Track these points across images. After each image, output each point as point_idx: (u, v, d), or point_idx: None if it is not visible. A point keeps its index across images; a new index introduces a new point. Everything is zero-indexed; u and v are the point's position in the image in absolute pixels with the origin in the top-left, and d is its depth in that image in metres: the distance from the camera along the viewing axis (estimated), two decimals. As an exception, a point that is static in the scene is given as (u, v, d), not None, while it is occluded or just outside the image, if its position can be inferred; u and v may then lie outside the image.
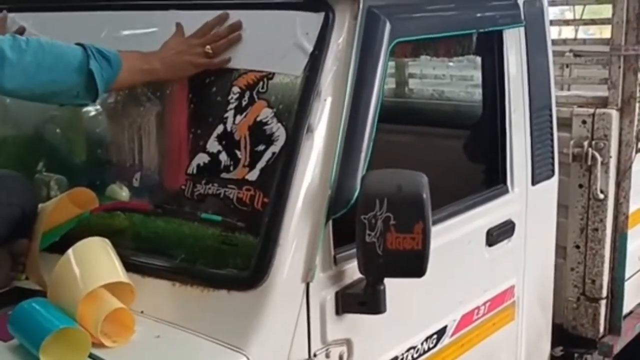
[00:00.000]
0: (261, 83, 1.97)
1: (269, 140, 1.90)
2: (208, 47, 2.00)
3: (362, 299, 1.86)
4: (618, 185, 3.05)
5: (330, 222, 1.83)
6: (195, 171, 2.03)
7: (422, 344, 2.18)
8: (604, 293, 3.09)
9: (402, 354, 2.12)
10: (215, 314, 1.76)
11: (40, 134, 2.61)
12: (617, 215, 3.07)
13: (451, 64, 3.80)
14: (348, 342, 1.93)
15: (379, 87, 1.92)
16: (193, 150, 2.06)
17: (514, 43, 2.51)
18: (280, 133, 1.90)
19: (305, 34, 1.90)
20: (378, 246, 1.74)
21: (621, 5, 2.97)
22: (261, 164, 1.89)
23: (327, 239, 1.86)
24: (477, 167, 2.69)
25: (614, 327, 3.16)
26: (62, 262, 1.78)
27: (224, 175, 1.95)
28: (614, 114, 2.98)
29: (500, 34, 2.47)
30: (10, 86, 1.86)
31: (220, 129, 1.99)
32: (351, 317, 1.91)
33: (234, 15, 2.01)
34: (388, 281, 1.85)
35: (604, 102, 3.03)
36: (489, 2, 2.44)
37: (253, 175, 1.90)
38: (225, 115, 2.00)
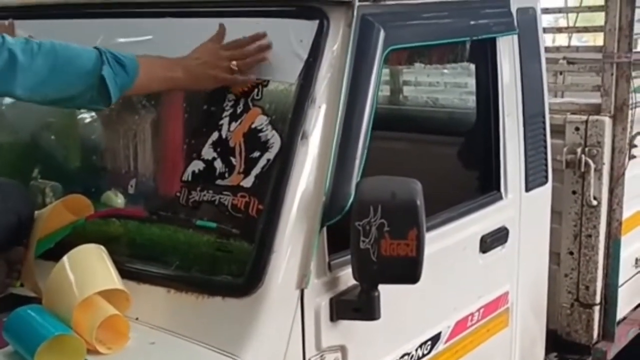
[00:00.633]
0: (256, 90, 1.97)
1: (264, 147, 1.91)
2: (234, 63, 1.94)
3: (357, 306, 1.87)
4: (611, 191, 3.06)
5: (325, 228, 1.84)
6: (190, 178, 2.03)
7: (416, 350, 2.19)
8: (598, 299, 3.10)
9: (397, 361, 2.12)
10: (210, 321, 1.76)
11: (36, 141, 2.62)
12: (610, 222, 3.08)
13: (445, 71, 3.81)
14: (342, 349, 1.93)
15: (373, 94, 1.93)
16: (188, 157, 2.06)
17: (507, 51, 2.53)
18: (275, 140, 1.91)
19: (300, 42, 1.91)
20: (372, 253, 1.75)
21: (614, 13, 2.99)
22: (256, 170, 1.90)
23: (322, 246, 1.86)
24: (470, 173, 2.70)
25: (607, 333, 3.17)
26: (57, 269, 1.78)
27: (218, 182, 1.96)
28: (607, 121, 3.00)
29: (493, 41, 2.48)
30: (23, 91, 1.81)
31: (215, 136, 2.00)
32: (346, 324, 1.91)
33: (229, 23, 2.01)
34: (382, 287, 1.85)
35: (597, 109, 3.05)
36: (483, 9, 2.45)
37: (248, 182, 1.90)
38: (220, 122, 2.00)
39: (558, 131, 2.97)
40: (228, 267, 1.84)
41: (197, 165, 2.02)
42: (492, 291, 2.52)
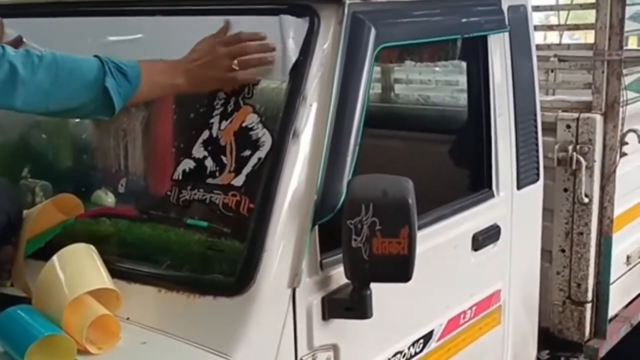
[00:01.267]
0: (247, 89, 1.96)
1: (255, 145, 1.90)
2: (235, 61, 1.92)
3: (349, 304, 1.86)
4: (602, 189, 3.07)
5: (317, 227, 1.83)
6: (180, 177, 2.02)
7: (408, 348, 2.19)
8: (590, 297, 3.11)
9: (389, 359, 2.12)
10: (201, 320, 1.76)
11: (25, 140, 2.60)
12: (602, 219, 3.08)
13: (437, 69, 3.81)
14: (335, 348, 1.93)
15: (365, 92, 1.93)
16: (178, 156, 2.05)
17: (498, 48, 2.53)
18: (266, 138, 1.90)
19: (291, 40, 1.90)
20: (364, 251, 1.75)
21: (604, 11, 2.99)
22: (247, 169, 1.89)
23: (314, 244, 1.86)
24: (462, 171, 2.70)
25: (599, 330, 3.18)
26: (47, 268, 1.77)
27: (209, 180, 1.95)
28: (598, 118, 3.00)
29: (484, 39, 2.48)
30: (24, 105, 1.79)
31: (205, 134, 1.99)
32: (338, 322, 1.90)
33: (218, 21, 2.00)
34: (375, 286, 1.85)
35: (588, 107, 3.05)
36: (474, 7, 2.45)
37: (239, 181, 1.90)
38: (211, 120, 1.99)
39: (549, 129, 2.97)
40: (219, 266, 1.83)
41: (187, 164, 2.01)
42: (484, 289, 2.52)
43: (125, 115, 2.28)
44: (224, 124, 1.97)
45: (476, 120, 2.58)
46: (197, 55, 1.94)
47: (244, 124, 1.94)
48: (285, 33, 1.90)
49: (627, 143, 3.15)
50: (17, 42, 2.21)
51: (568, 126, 3.01)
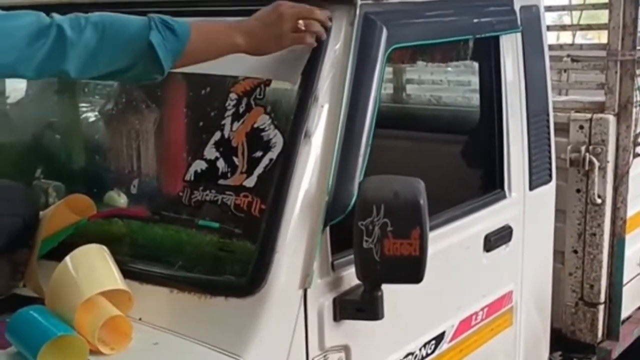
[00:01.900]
0: (258, 89, 1.97)
1: (267, 146, 1.91)
2: (301, 22, 1.82)
3: (360, 305, 1.86)
4: (615, 190, 3.05)
5: (328, 228, 1.83)
6: (192, 178, 2.03)
7: (420, 349, 2.18)
8: (602, 298, 3.09)
9: (401, 360, 2.12)
10: (212, 321, 1.76)
11: (39, 141, 2.62)
12: (614, 220, 3.07)
13: (449, 69, 3.81)
14: (346, 348, 1.93)
15: (376, 93, 1.92)
16: (190, 157, 2.06)
17: (510, 49, 2.52)
18: (277, 139, 1.91)
19: None
20: (375, 252, 1.74)
21: (617, 11, 2.98)
22: (258, 170, 1.90)
23: (325, 245, 1.85)
24: (474, 172, 2.69)
25: (612, 332, 3.16)
26: (60, 269, 1.77)
27: (221, 181, 1.96)
28: (611, 119, 2.99)
29: (496, 39, 2.47)
30: (75, 67, 1.72)
31: (217, 135, 2.00)
32: (349, 323, 1.90)
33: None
34: (386, 287, 1.85)
35: (601, 107, 3.04)
36: (486, 8, 2.44)
37: (250, 182, 1.90)
38: (223, 122, 2.00)
39: (562, 129, 2.97)
40: (231, 267, 1.84)
41: (199, 165, 2.02)
42: (496, 290, 2.51)
43: (137, 116, 2.29)
44: (236, 125, 1.97)
45: (488, 121, 2.57)
46: (261, 14, 1.85)
47: (255, 125, 1.94)
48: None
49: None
50: None
51: (581, 127, 3.00)
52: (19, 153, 2.58)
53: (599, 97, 3.10)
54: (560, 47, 3.78)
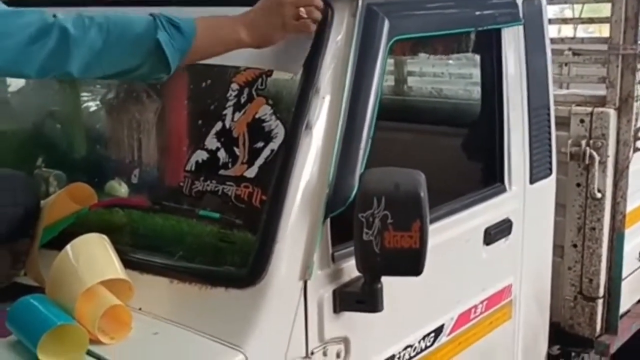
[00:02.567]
0: (260, 80, 1.97)
1: (268, 137, 1.91)
2: (302, 9, 1.82)
3: (360, 297, 1.86)
4: (615, 184, 3.05)
5: (329, 220, 1.83)
6: (193, 168, 2.03)
7: (419, 342, 2.19)
8: (601, 292, 3.09)
9: (400, 352, 2.12)
10: (212, 312, 1.76)
11: (40, 130, 2.62)
12: (614, 215, 3.07)
13: (450, 61, 3.80)
14: (345, 340, 1.93)
15: (378, 85, 1.92)
16: (192, 147, 2.06)
17: (512, 42, 2.51)
18: (278, 130, 1.91)
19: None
20: (375, 244, 1.74)
21: (620, 4, 2.97)
22: (259, 161, 1.90)
23: (326, 237, 1.86)
24: (475, 165, 2.69)
25: (610, 326, 3.16)
26: (60, 258, 1.78)
27: (222, 172, 1.96)
28: (612, 113, 2.98)
29: (498, 32, 2.47)
30: (79, 67, 1.71)
31: (219, 126, 2.00)
32: (349, 315, 1.91)
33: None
34: (386, 279, 1.85)
35: (602, 101, 3.03)
36: (488, 0, 2.44)
37: (251, 173, 1.90)
38: (224, 112, 2.00)
39: (563, 123, 2.96)
40: (231, 257, 1.84)
41: (200, 155, 2.02)
42: (496, 283, 2.52)
43: (139, 105, 2.29)
44: (237, 115, 1.97)
45: (489, 114, 2.57)
46: (262, 5, 1.85)
47: (257, 116, 1.94)
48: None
49: (640, 138, 3.14)
50: None
51: (582, 120, 3.00)
52: (20, 142, 2.58)
53: (600, 90, 3.10)
54: (562, 40, 3.78)
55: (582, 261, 3.07)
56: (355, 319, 1.92)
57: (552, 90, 2.76)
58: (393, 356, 2.10)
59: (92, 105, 2.66)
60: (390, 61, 3.73)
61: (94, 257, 1.79)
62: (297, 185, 1.79)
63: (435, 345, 2.25)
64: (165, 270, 1.87)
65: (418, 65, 3.97)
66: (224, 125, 1.98)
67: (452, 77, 3.88)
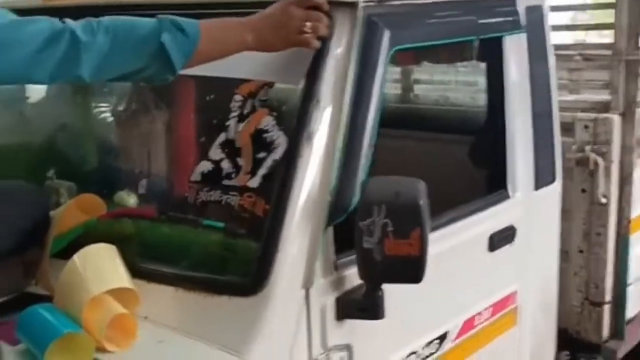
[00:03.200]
0: (262, 91, 1.99)
1: (270, 147, 1.93)
2: (308, 24, 1.84)
3: (362, 305, 1.88)
4: (620, 189, 3.05)
5: (332, 228, 1.85)
6: (198, 178, 2.06)
7: (423, 349, 2.19)
8: (608, 298, 3.09)
9: (404, 359, 2.13)
10: (216, 320, 1.78)
11: (51, 141, 2.66)
12: (620, 220, 3.07)
13: (457, 69, 3.81)
14: (348, 348, 1.94)
15: (379, 95, 1.94)
16: (197, 157, 2.09)
17: (515, 49, 2.52)
18: (281, 141, 1.93)
19: None
20: (376, 252, 1.76)
21: (623, 11, 2.98)
22: (262, 171, 1.92)
23: (328, 245, 1.87)
24: (479, 172, 2.70)
25: (617, 332, 3.15)
26: (68, 267, 1.81)
27: (226, 182, 1.98)
28: (616, 118, 2.99)
29: (500, 40, 2.48)
30: (89, 71, 1.73)
31: (222, 136, 2.03)
32: (352, 323, 1.92)
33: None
34: (390, 287, 1.86)
35: (606, 107, 3.04)
36: (489, 9, 2.45)
37: (254, 183, 1.93)
38: (228, 123, 2.03)
39: (567, 129, 2.96)
40: (235, 266, 1.86)
41: (205, 166, 2.05)
42: (500, 290, 2.52)
43: (146, 117, 2.32)
44: (241, 126, 2.00)
45: (493, 121, 2.58)
46: (270, 12, 1.86)
47: (259, 126, 1.97)
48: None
49: (644, 143, 3.14)
50: None
51: (586, 126, 3.00)
52: (32, 154, 2.62)
53: (605, 96, 3.11)
54: (567, 47, 3.78)
55: (588, 267, 3.07)
56: (358, 326, 1.93)
57: (557, 97, 2.77)
58: (397, 363, 2.11)
59: (102, 117, 2.70)
60: (397, 69, 3.75)
61: (101, 267, 1.82)
62: (299, 195, 1.81)
63: (440, 352, 2.26)
64: (170, 279, 1.89)
65: (424, 74, 3.98)
66: (227, 136, 2.01)
67: (458, 84, 3.89)
